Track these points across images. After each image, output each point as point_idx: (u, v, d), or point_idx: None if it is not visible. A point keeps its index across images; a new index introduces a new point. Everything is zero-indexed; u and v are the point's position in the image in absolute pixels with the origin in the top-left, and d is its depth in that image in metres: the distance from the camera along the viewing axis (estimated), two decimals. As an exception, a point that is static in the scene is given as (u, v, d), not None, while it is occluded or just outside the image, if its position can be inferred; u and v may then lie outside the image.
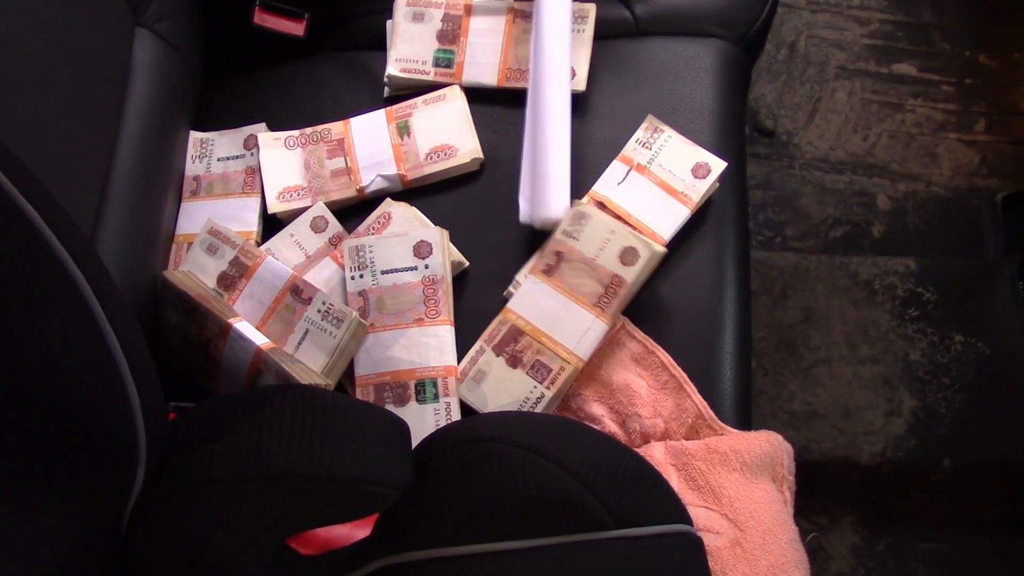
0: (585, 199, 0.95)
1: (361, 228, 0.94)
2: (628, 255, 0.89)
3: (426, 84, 1.02)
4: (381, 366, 0.89)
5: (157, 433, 0.64)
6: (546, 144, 0.91)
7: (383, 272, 0.91)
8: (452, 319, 0.90)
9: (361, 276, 0.92)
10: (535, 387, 0.88)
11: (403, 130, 0.99)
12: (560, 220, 0.90)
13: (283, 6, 1.04)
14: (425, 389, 0.88)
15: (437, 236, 0.91)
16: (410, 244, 0.91)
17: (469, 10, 1.02)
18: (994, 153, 1.55)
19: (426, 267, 0.90)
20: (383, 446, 0.67)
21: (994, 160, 1.55)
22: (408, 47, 1.02)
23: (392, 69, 1.02)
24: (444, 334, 0.89)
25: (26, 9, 0.76)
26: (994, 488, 1.36)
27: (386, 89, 1.04)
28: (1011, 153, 1.55)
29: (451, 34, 1.02)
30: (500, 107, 1.01)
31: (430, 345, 0.89)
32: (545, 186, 0.91)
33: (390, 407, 0.88)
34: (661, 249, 0.90)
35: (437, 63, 1.02)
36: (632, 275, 0.89)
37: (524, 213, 0.93)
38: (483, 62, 1.01)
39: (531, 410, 0.88)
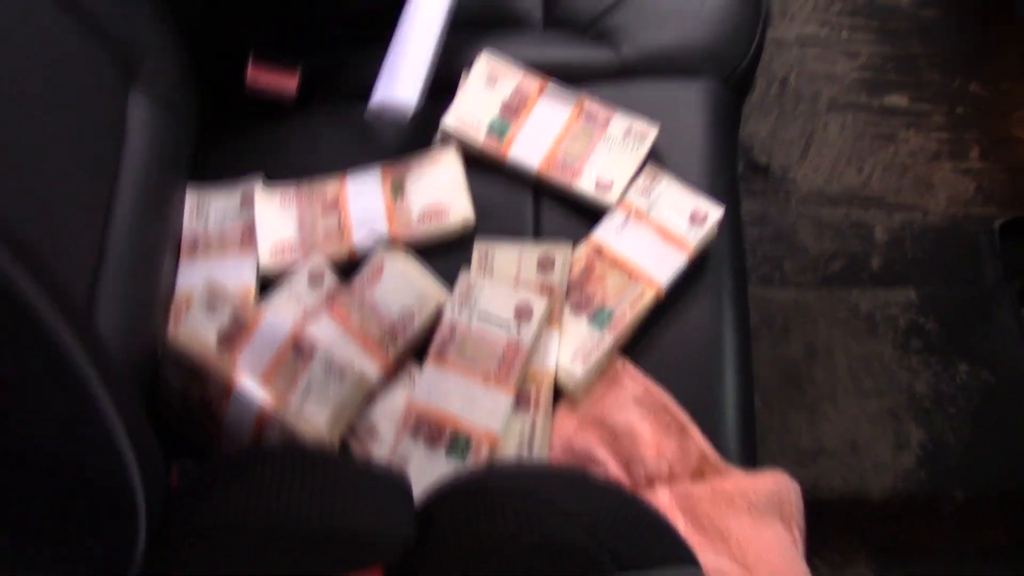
0: (583, 245, 0.96)
1: (355, 281, 0.95)
2: (545, 264, 0.94)
3: (474, 147, 1.01)
4: (433, 401, 0.89)
5: (156, 494, 0.64)
6: (411, 32, 0.94)
7: (480, 317, 0.91)
8: (517, 390, 0.89)
9: (460, 311, 0.92)
10: (524, 417, 0.89)
11: (397, 190, 0.99)
12: (407, 108, 0.93)
13: (276, 59, 1.05)
14: (458, 444, 0.88)
15: (542, 306, 0.90)
16: (515, 302, 0.91)
17: (542, 90, 1.03)
18: (989, 181, 1.56)
19: (518, 331, 0.90)
20: (384, 502, 0.67)
21: (989, 188, 1.55)
22: (471, 105, 1.02)
23: (448, 120, 1.01)
24: (502, 401, 0.88)
25: (17, 75, 0.77)
26: (1007, 517, 1.35)
27: (439, 135, 1.03)
28: (1006, 180, 1.56)
29: (515, 107, 1.02)
30: (496, 174, 1.02)
31: (484, 405, 0.88)
32: (398, 69, 0.93)
33: (419, 443, 0.88)
34: (567, 247, 0.94)
35: (491, 130, 1.01)
36: (557, 278, 0.93)
37: (373, 103, 0.95)
38: (534, 144, 1.00)
39: (531, 438, 0.88)
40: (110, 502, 0.60)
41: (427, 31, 0.97)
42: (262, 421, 0.86)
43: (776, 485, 0.86)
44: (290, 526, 0.63)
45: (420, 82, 0.94)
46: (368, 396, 0.91)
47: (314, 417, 0.88)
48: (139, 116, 0.95)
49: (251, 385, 0.88)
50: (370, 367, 0.91)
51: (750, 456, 0.92)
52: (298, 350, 0.90)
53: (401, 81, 0.94)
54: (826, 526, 1.34)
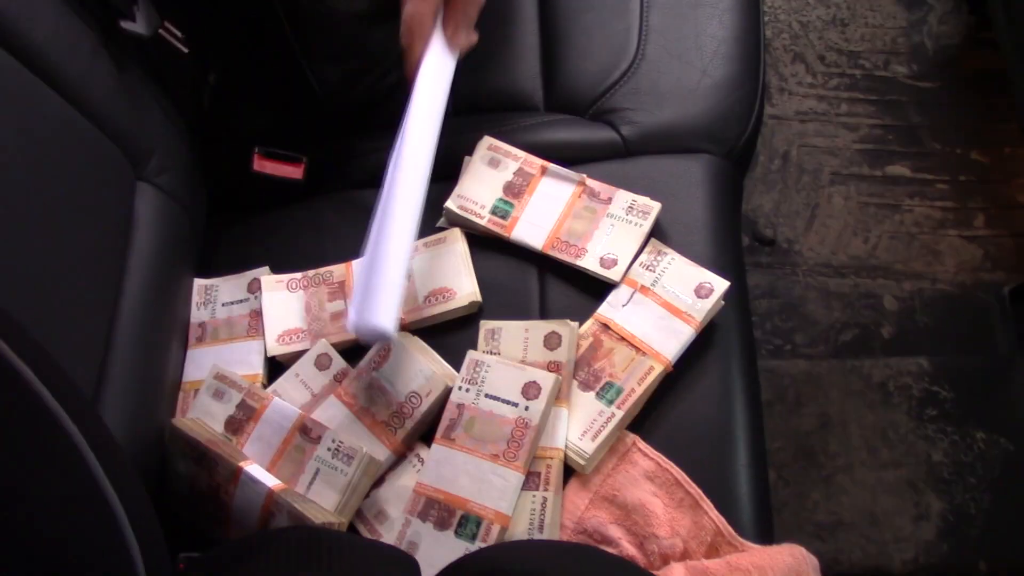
0: (590, 321, 0.96)
1: (363, 363, 0.95)
2: (551, 341, 0.93)
3: (477, 227, 1.02)
4: (442, 483, 0.88)
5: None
6: (385, 251, 0.89)
7: (487, 395, 0.91)
8: (526, 468, 0.88)
9: (467, 390, 0.91)
10: (534, 496, 0.88)
11: None
12: (387, 332, 0.87)
13: (281, 152, 1.07)
14: (467, 524, 0.86)
15: (550, 383, 0.90)
16: (522, 380, 0.90)
17: (544, 171, 1.04)
18: (996, 247, 1.56)
19: (526, 408, 0.89)
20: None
21: (997, 254, 1.56)
22: (473, 187, 1.03)
23: (451, 203, 1.03)
24: (511, 480, 0.87)
25: (27, 168, 0.78)
26: (1035, 589, 1.32)
27: (443, 218, 1.04)
28: (1013, 246, 1.56)
29: (518, 188, 1.03)
30: (501, 251, 1.02)
31: (494, 484, 0.87)
32: (375, 295, 0.87)
33: (429, 525, 0.87)
34: (573, 324, 0.94)
35: (494, 211, 1.02)
36: (564, 355, 0.92)
37: (351, 323, 0.90)
38: (536, 224, 1.01)
39: (542, 517, 0.87)
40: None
41: (403, 243, 0.90)
42: (270, 505, 0.85)
43: (794, 559, 0.85)
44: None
45: (396, 306, 0.88)
46: (376, 478, 0.91)
47: (322, 501, 0.88)
48: (147, 208, 0.97)
49: (258, 469, 0.88)
50: (378, 449, 0.91)
51: (766, 530, 0.90)
52: (305, 434, 0.90)
53: (380, 308, 0.87)
54: (849, 602, 1.31)
